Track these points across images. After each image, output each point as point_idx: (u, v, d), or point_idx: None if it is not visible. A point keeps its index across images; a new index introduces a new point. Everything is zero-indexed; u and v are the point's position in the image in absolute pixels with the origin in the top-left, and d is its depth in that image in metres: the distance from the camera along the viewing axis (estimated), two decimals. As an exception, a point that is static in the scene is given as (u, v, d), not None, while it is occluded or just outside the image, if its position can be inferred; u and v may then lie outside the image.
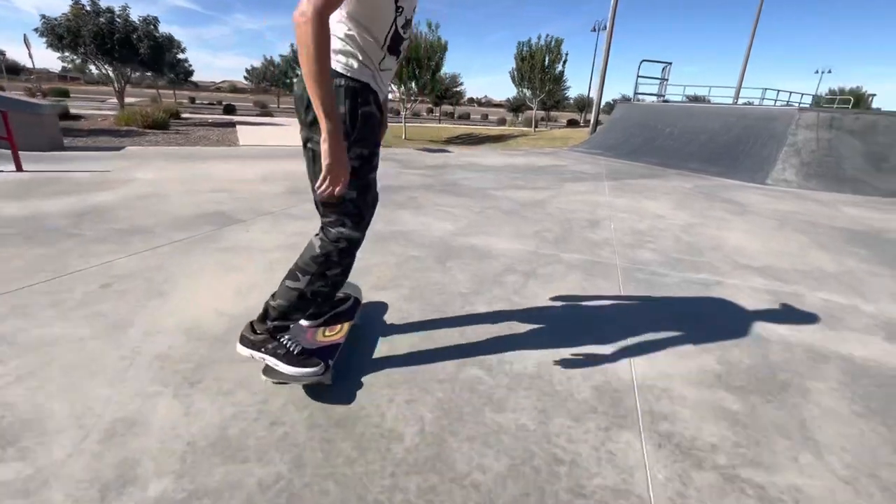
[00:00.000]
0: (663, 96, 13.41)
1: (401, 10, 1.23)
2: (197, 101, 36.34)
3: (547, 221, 4.05)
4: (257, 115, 23.13)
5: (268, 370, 1.47)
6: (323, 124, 1.13)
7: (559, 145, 15.01)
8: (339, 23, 1.19)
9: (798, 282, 2.88)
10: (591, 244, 3.43)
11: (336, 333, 1.66)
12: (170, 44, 16.74)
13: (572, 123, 37.67)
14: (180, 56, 22.71)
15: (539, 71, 21.79)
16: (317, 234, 1.41)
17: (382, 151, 1.80)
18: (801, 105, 22.22)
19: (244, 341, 1.48)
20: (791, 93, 20.87)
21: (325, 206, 1.33)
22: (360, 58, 1.22)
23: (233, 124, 14.58)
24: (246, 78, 43.54)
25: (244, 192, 4.48)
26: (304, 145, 1.33)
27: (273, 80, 38.61)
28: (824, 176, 7.60)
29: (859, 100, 37.57)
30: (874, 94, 42.02)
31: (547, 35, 21.40)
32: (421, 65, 17.53)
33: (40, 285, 2.18)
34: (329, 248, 1.37)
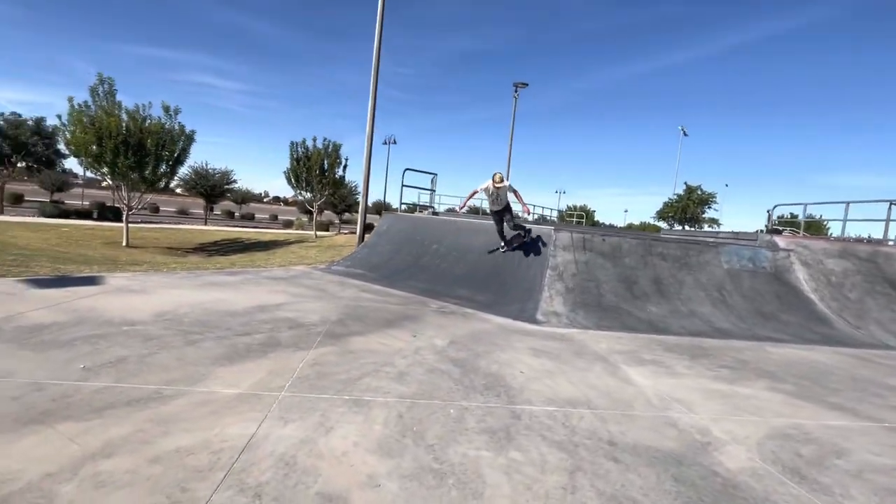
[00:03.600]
0: (432, 207, 12.63)
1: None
2: None
3: None
4: None
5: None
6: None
7: (331, 256, 12.55)
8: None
9: None
10: None
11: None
12: None
13: (369, 228, 37.08)
14: None
15: (318, 174, 20.00)
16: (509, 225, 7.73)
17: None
18: (552, 220, 25.99)
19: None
20: (544, 207, 24.44)
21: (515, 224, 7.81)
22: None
23: None
24: None
25: None
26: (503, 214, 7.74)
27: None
28: (589, 304, 6.65)
29: (587, 214, 48.28)
30: (594, 210, 55.03)
31: (325, 138, 20.07)
32: (148, 152, 13.44)
33: None
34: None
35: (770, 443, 2.83)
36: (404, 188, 10.86)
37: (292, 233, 24.22)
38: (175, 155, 14.51)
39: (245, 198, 39.70)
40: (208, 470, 2.01)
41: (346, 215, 41.44)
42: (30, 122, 17.82)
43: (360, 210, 11.68)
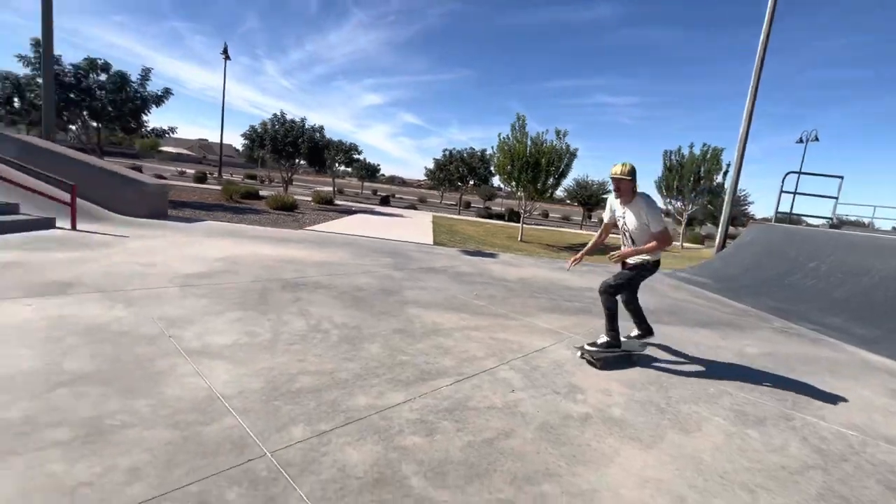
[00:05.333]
0: (831, 218, 9.74)
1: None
2: (377, 192, 43.05)
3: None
4: (403, 207, 25.96)
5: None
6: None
7: (683, 265, 12.25)
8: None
9: None
10: None
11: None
12: (338, 147, 20.56)
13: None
14: (358, 156, 27.73)
15: (692, 182, 19.09)
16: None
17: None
18: None
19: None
20: None
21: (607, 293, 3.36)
22: None
23: (351, 211, 16.55)
24: (426, 176, 49.66)
25: (161, 265, 4.59)
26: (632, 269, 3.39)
27: (442, 180, 42.36)
28: None
29: None
30: None
31: (704, 143, 18.85)
32: (540, 168, 17.25)
33: None
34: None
35: None
36: (782, 194, 9.21)
37: (657, 242, 24.14)
38: (560, 170, 17.79)
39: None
40: (515, 351, 3.41)
41: (730, 229, 36.24)
42: (478, 153, 26.91)
43: (721, 218, 10.79)
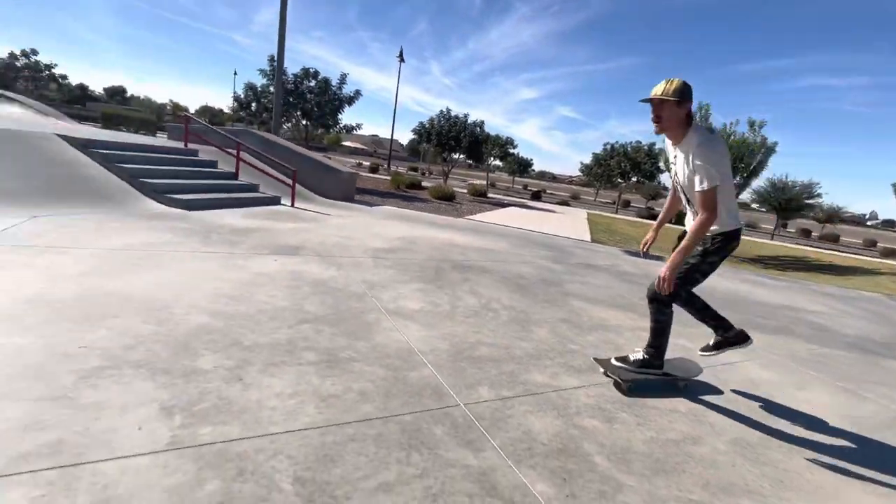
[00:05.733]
0: None
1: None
2: (528, 187, 42.82)
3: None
4: (555, 203, 25.41)
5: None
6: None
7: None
8: None
9: None
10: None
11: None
12: (495, 141, 21.12)
13: None
14: (512, 151, 28.00)
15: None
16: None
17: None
18: None
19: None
20: None
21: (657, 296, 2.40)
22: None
23: (504, 204, 16.85)
24: (581, 171, 47.63)
25: (356, 239, 5.44)
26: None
27: (600, 176, 40.00)
28: None
29: None
30: None
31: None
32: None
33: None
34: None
35: None
36: None
37: (890, 263, 18.67)
38: (751, 167, 15.18)
39: (831, 216, 33.75)
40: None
41: None
42: (644, 147, 24.56)
43: None
